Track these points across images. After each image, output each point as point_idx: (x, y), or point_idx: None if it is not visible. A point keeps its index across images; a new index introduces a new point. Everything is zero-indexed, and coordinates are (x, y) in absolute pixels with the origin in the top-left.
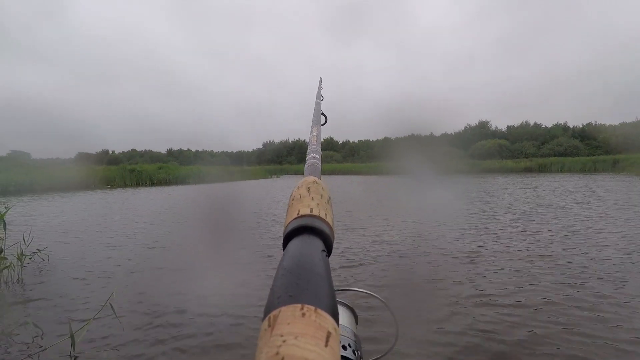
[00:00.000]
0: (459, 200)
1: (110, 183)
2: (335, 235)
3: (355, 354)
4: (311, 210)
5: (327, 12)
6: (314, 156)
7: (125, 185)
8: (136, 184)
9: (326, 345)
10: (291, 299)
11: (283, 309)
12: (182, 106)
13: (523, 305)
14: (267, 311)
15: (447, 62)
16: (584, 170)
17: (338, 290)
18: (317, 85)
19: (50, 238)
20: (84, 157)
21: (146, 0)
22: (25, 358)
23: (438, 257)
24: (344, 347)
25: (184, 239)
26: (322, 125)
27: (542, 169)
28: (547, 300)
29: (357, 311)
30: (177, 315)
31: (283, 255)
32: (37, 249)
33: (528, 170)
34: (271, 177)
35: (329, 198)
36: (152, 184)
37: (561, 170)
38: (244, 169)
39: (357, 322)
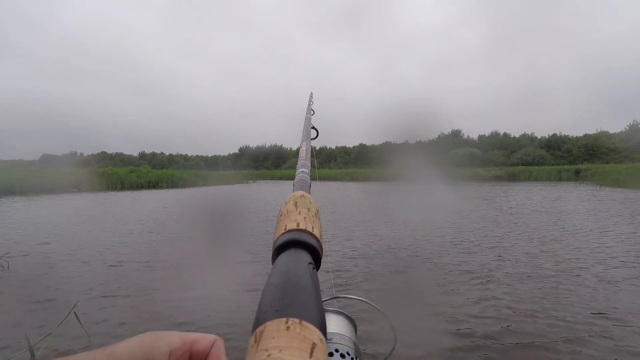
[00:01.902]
0: (442, 211)
1: (77, 186)
2: (323, 247)
3: None
4: (298, 225)
5: (308, 11)
6: (303, 170)
7: (94, 189)
8: (106, 187)
9: (311, 356)
10: (276, 314)
11: (268, 324)
12: (155, 107)
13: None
14: (254, 327)
15: (425, 68)
16: (549, 178)
17: (335, 298)
18: (308, 100)
19: (13, 243)
20: (49, 159)
21: None
22: None
23: (431, 266)
24: (342, 356)
25: (153, 252)
26: (314, 139)
27: (511, 178)
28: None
29: (356, 319)
30: (146, 325)
31: (271, 271)
32: None
33: (498, 178)
34: (247, 183)
35: (317, 211)
36: (122, 188)
37: (529, 178)
38: (219, 173)
39: (356, 331)
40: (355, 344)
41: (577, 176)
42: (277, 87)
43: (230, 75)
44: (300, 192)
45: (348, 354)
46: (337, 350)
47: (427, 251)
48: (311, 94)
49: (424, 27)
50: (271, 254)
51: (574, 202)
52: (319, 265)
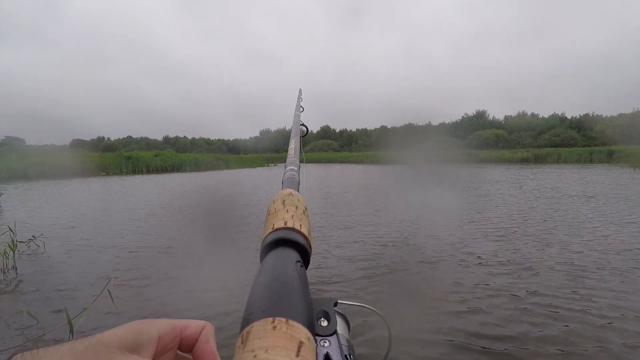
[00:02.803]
0: (456, 196)
1: (105, 170)
2: (312, 246)
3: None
4: (285, 223)
5: None
6: (292, 168)
7: (121, 172)
8: (132, 171)
9: (297, 355)
10: (263, 313)
11: (255, 324)
12: (178, 92)
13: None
14: (241, 328)
15: (450, 46)
16: (579, 161)
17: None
18: (297, 97)
19: (46, 225)
20: (79, 144)
21: None
22: (20, 345)
23: (443, 257)
24: None
25: (180, 234)
26: (303, 136)
27: (538, 160)
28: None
29: (350, 318)
30: (177, 303)
31: (258, 271)
32: (33, 236)
33: (525, 160)
34: (268, 166)
35: (305, 208)
36: (148, 172)
37: (557, 160)
38: (241, 157)
39: (349, 329)
40: (349, 341)
41: (609, 158)
42: (298, 70)
43: (251, 59)
44: (289, 190)
45: None
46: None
47: (452, 239)
48: (300, 90)
49: (450, 2)
50: (259, 254)
51: (610, 185)
52: (308, 263)
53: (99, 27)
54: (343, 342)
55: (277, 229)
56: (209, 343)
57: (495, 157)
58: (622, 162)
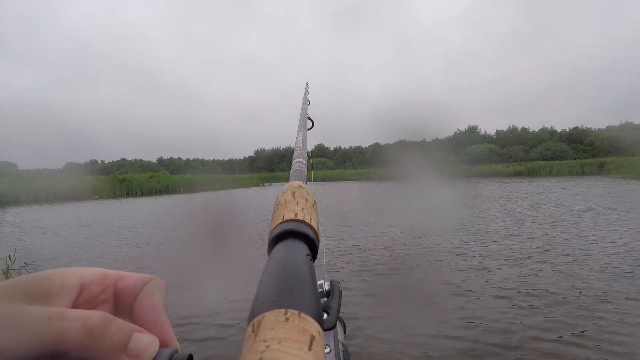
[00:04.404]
0: (455, 214)
1: (99, 193)
2: (320, 240)
3: None
4: (296, 215)
5: (323, 6)
6: (299, 161)
7: (115, 195)
8: (126, 193)
9: (310, 349)
10: (275, 304)
11: (267, 314)
12: (172, 113)
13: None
14: (251, 317)
15: (442, 63)
16: (571, 173)
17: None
18: (304, 90)
19: (38, 251)
20: (72, 167)
21: None
22: None
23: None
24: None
25: (171, 262)
26: (309, 129)
27: (531, 173)
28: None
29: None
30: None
31: (267, 261)
32: (25, 263)
33: (517, 174)
34: (263, 185)
35: (314, 202)
36: (142, 194)
37: (549, 173)
38: (236, 177)
39: (345, 332)
40: (343, 344)
41: (600, 170)
42: (291, 89)
43: (244, 78)
44: (298, 182)
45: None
46: (327, 352)
47: (460, 256)
48: (307, 84)
49: (443, 16)
50: (267, 244)
51: (609, 198)
52: (316, 256)
53: (90, 48)
54: (339, 345)
55: (287, 220)
56: (152, 297)
57: (489, 171)
58: (613, 174)
